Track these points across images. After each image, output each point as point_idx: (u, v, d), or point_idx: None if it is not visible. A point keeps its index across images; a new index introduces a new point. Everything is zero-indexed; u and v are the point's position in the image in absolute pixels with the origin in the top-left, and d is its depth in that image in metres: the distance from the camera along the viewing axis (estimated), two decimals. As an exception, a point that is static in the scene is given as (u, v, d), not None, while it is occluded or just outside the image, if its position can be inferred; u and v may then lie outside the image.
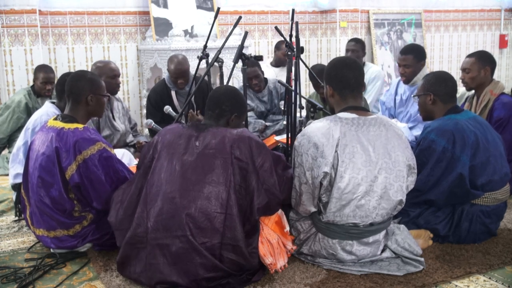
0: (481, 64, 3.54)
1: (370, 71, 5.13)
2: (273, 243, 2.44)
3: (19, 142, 3.26)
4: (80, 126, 2.70)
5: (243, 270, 2.36)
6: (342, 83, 2.54)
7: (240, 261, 2.32)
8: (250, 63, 4.55)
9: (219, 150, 2.38)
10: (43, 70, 4.53)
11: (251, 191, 2.39)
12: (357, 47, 5.07)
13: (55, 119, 2.77)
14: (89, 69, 5.41)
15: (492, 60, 3.60)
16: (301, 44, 3.37)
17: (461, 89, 5.36)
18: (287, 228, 2.54)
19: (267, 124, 4.59)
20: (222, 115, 2.54)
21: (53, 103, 3.31)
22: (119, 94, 5.52)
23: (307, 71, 5.74)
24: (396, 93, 4.27)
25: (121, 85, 5.70)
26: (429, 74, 3.01)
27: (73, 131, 2.66)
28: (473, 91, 3.72)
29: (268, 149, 2.51)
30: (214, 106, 2.55)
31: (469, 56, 3.65)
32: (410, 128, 3.83)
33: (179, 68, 4.31)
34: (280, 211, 2.56)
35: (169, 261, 2.30)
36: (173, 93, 4.44)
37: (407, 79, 3.96)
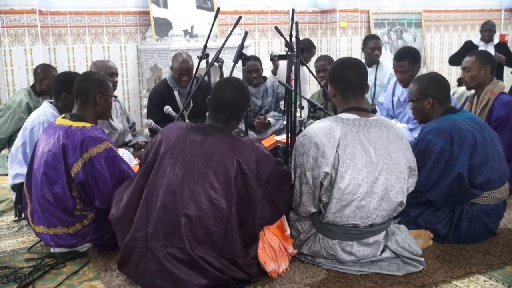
0: (481, 63, 3.55)
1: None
2: (275, 247, 2.44)
3: (18, 142, 3.26)
4: (87, 124, 2.72)
5: (242, 279, 2.34)
6: (344, 84, 2.54)
7: (239, 273, 2.30)
8: (252, 57, 4.64)
9: (224, 163, 2.28)
10: (52, 69, 4.52)
11: (255, 207, 2.33)
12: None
13: (63, 117, 2.79)
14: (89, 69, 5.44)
15: (492, 59, 3.61)
16: (301, 44, 3.37)
17: (460, 89, 5.39)
18: (288, 232, 2.54)
19: (270, 120, 4.59)
20: (232, 117, 2.45)
21: (51, 103, 3.32)
22: (119, 94, 5.56)
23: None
24: (393, 94, 4.27)
25: (121, 85, 5.76)
26: (421, 78, 2.96)
27: (81, 129, 2.67)
28: (473, 91, 3.72)
29: (274, 161, 2.44)
30: (223, 110, 2.42)
31: (470, 55, 3.66)
32: (411, 130, 3.83)
33: (184, 65, 4.32)
34: (281, 215, 2.56)
35: (169, 269, 2.25)
36: (176, 93, 4.44)
37: (405, 83, 3.95)
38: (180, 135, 2.41)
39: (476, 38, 6.66)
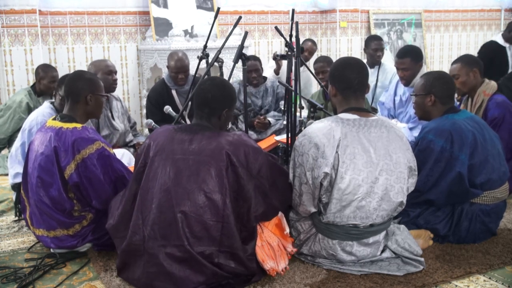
0: (468, 67, 3.51)
1: None
2: (273, 246, 2.43)
3: (17, 142, 3.28)
4: (78, 125, 2.70)
5: (242, 275, 2.35)
6: (344, 84, 2.53)
7: (239, 268, 2.30)
8: (252, 57, 4.67)
9: (214, 157, 2.31)
10: (52, 69, 4.52)
11: (248, 199, 2.35)
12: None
13: (54, 119, 2.77)
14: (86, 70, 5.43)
15: (477, 62, 3.56)
16: (301, 44, 3.37)
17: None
18: (287, 230, 2.53)
19: (270, 120, 4.59)
20: (213, 113, 2.46)
21: (52, 103, 3.31)
22: (119, 94, 5.55)
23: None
24: (395, 94, 4.26)
25: (121, 85, 5.75)
26: (429, 74, 2.97)
27: (72, 131, 2.66)
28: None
29: (264, 154, 2.46)
30: (202, 105, 2.45)
31: (454, 62, 3.60)
32: (410, 129, 3.83)
33: (180, 63, 4.33)
34: (280, 213, 2.55)
35: (167, 270, 2.25)
36: (174, 92, 4.45)
37: (406, 81, 3.95)
38: (167, 137, 2.43)
39: (497, 37, 6.11)
